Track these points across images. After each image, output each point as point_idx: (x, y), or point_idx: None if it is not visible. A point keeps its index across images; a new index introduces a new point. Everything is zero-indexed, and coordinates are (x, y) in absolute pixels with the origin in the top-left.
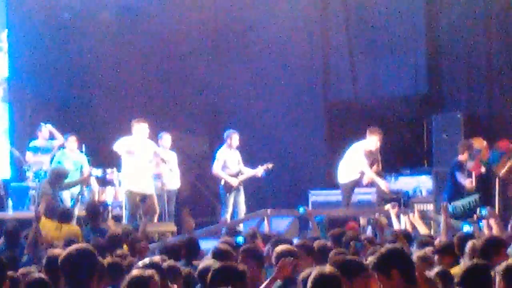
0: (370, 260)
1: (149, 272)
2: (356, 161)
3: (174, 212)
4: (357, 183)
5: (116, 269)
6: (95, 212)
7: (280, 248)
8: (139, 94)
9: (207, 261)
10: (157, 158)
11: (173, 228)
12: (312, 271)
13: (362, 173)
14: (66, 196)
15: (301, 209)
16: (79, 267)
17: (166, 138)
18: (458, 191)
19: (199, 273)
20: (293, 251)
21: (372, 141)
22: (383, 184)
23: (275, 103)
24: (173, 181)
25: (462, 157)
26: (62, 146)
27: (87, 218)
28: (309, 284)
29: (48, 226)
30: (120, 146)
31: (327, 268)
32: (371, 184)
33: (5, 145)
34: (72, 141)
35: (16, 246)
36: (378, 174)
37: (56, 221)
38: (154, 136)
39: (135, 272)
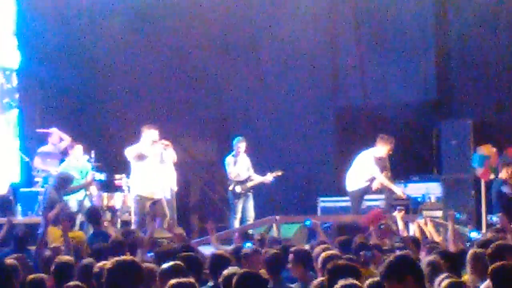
0: (380, 268)
1: (189, 280)
2: (367, 168)
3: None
4: (366, 191)
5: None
6: (96, 216)
7: (326, 253)
8: (148, 100)
9: (231, 269)
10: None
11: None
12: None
13: (371, 181)
14: (73, 204)
15: (308, 222)
16: (126, 279)
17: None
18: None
19: (223, 280)
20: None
21: (382, 149)
22: (398, 190)
23: (285, 110)
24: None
25: (502, 175)
26: (65, 152)
27: (88, 223)
28: None
29: (54, 234)
30: (130, 152)
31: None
32: (380, 190)
33: (14, 150)
34: (78, 149)
35: (24, 252)
36: (388, 180)
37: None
38: None
39: (175, 280)
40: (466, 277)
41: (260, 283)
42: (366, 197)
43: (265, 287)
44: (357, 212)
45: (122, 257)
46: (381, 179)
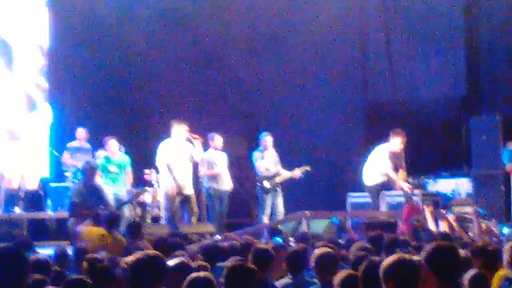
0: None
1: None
2: (380, 163)
3: (225, 213)
4: (383, 186)
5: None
6: (136, 231)
7: (319, 251)
8: (176, 96)
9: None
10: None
11: (212, 229)
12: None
13: (389, 176)
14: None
15: (335, 220)
16: (147, 273)
17: (218, 139)
18: None
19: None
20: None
21: (395, 142)
22: (404, 185)
23: (314, 105)
24: (225, 182)
25: None
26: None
27: (126, 234)
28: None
29: (93, 234)
30: (162, 148)
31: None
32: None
33: (45, 145)
34: (113, 145)
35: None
36: (403, 179)
37: (102, 229)
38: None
39: (195, 274)
40: (502, 272)
41: (248, 273)
42: (396, 192)
43: (254, 277)
44: (377, 207)
45: (146, 251)
46: (391, 175)
